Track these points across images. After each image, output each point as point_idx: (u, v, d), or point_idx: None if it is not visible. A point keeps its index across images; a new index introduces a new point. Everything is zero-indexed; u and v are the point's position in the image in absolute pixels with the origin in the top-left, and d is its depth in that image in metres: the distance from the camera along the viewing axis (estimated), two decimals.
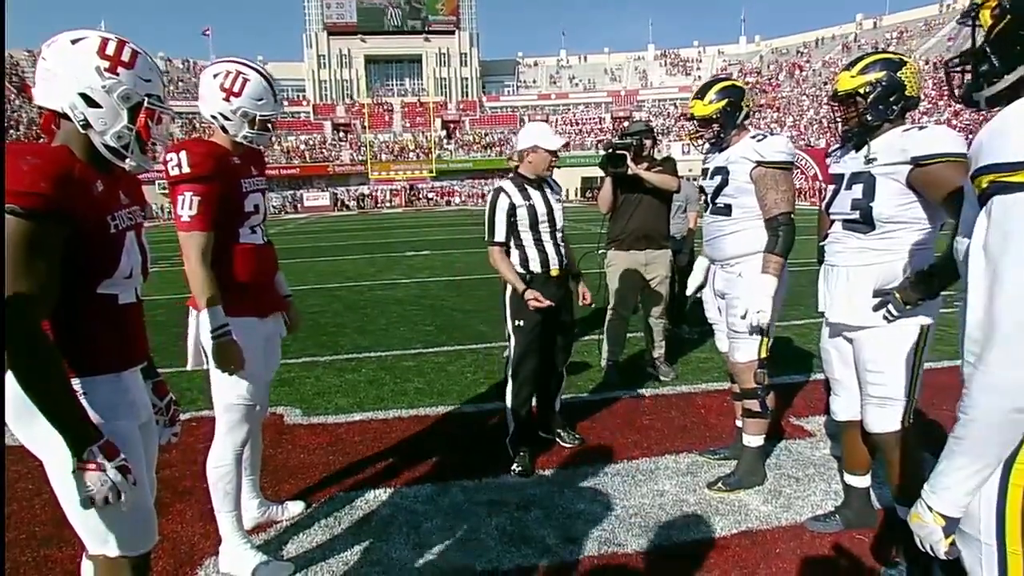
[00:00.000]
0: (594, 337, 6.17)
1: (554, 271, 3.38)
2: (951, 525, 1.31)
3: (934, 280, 2.20)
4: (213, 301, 2.30)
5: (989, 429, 1.21)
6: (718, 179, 3.02)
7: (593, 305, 3.62)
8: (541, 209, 3.35)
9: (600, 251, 4.88)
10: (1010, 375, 1.17)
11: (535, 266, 3.37)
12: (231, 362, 2.36)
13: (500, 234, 3.34)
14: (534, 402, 3.70)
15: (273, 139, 2.56)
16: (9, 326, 1.36)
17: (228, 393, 2.49)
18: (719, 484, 3.08)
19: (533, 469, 3.34)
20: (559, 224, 3.43)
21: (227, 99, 2.39)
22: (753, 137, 2.95)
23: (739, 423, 3.35)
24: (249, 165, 2.55)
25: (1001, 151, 1.18)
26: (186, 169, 2.27)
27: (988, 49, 1.30)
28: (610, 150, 4.46)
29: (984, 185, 1.22)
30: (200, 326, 2.43)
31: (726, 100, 2.97)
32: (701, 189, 3.20)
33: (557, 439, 3.67)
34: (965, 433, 1.24)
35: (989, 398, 1.20)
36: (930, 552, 1.36)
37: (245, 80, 2.40)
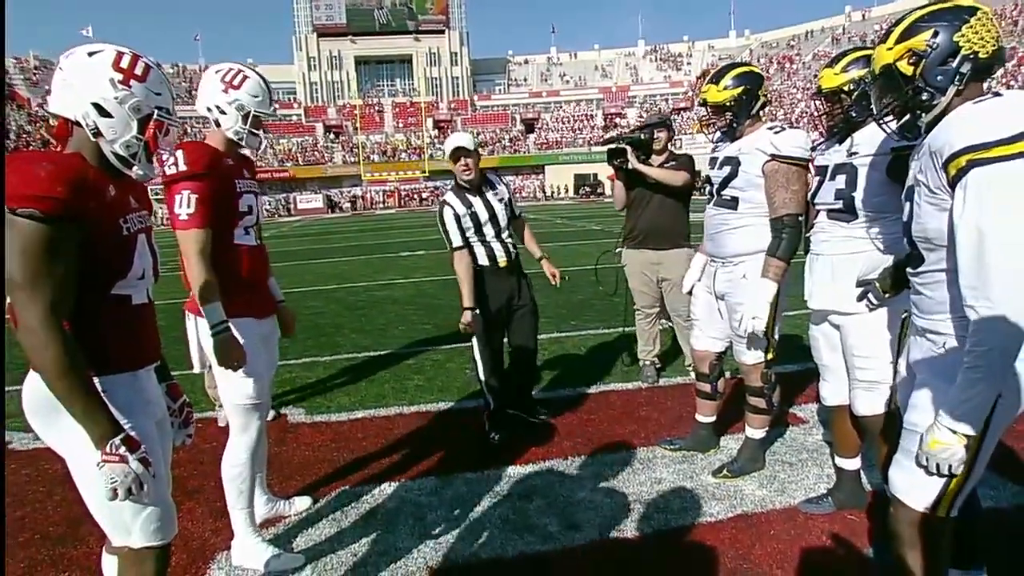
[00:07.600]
0: (579, 333, 6.26)
1: (502, 263, 3.73)
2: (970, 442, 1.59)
3: (903, 273, 2.27)
4: (212, 298, 2.35)
5: (1004, 353, 1.51)
6: (727, 169, 2.89)
7: (557, 284, 3.91)
8: (483, 214, 3.65)
9: (617, 249, 4.80)
10: (1011, 307, 1.47)
11: (483, 260, 3.72)
12: (233, 357, 2.39)
13: (457, 240, 3.67)
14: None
15: (263, 143, 2.69)
16: (34, 326, 1.43)
17: (234, 394, 2.54)
18: (724, 471, 3.15)
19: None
20: (503, 223, 3.70)
21: (225, 91, 2.50)
22: (771, 128, 2.82)
23: (700, 417, 3.44)
24: (242, 168, 2.66)
25: (972, 135, 1.53)
26: (183, 167, 2.35)
27: (922, 85, 1.71)
28: (611, 144, 4.22)
29: (963, 164, 1.53)
30: (200, 329, 2.50)
31: (743, 87, 2.81)
32: (707, 179, 3.05)
33: (527, 416, 3.93)
34: (983, 362, 1.52)
35: (1000, 328, 1.48)
36: (945, 472, 1.60)
37: (245, 77, 2.54)
